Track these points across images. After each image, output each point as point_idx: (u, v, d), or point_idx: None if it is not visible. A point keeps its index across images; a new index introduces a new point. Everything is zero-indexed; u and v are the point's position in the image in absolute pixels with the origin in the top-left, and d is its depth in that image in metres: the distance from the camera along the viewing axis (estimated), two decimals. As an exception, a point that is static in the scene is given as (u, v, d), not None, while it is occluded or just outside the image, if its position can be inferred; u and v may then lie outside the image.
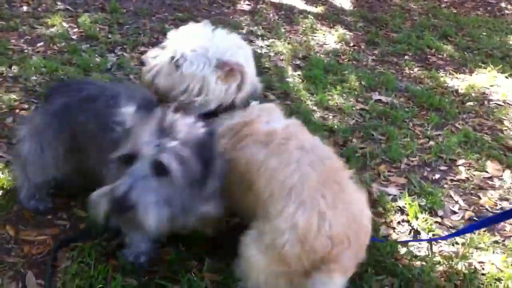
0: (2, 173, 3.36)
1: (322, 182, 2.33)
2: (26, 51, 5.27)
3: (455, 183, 3.99)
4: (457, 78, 5.99)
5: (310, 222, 2.21)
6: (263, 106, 2.81)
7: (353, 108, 4.94)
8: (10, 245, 2.89)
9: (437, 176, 4.04)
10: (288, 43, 6.41)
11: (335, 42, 6.69)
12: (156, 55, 2.79)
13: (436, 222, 3.46)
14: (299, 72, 5.66)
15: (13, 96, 4.39)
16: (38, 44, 5.44)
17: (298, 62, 5.98)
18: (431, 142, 4.51)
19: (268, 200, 2.33)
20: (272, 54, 6.13)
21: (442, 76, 5.98)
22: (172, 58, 2.68)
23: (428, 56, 6.61)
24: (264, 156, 2.45)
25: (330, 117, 4.77)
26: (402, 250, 3.13)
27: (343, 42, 6.71)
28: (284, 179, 2.34)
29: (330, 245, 2.20)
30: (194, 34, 2.74)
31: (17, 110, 4.21)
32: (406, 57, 6.50)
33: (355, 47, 6.66)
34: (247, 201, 2.51)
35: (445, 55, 6.68)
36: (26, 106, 4.29)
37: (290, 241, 2.21)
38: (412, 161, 4.18)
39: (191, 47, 2.65)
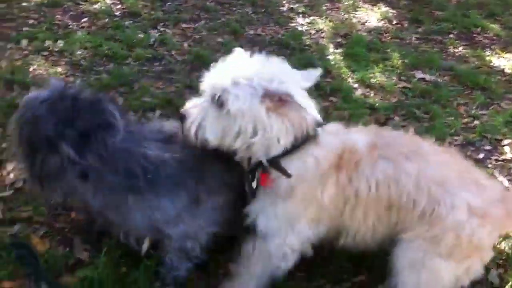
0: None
1: (458, 172, 2.47)
2: (71, 26, 5.36)
3: (499, 163, 3.92)
4: (503, 57, 5.84)
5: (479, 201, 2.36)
6: (332, 128, 2.53)
7: (396, 86, 4.88)
8: (58, 211, 2.98)
9: (481, 155, 3.97)
10: (330, 21, 6.35)
11: (377, 20, 6.59)
12: (195, 104, 2.40)
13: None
14: (340, 50, 5.60)
15: (59, 69, 4.50)
16: (83, 20, 5.52)
17: (339, 40, 5.93)
18: (476, 122, 4.43)
19: (427, 206, 2.36)
20: (313, 31, 6.09)
21: (488, 55, 5.83)
22: (213, 97, 2.28)
23: (474, 35, 6.44)
24: (394, 170, 2.39)
25: (372, 95, 4.72)
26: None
27: (385, 20, 6.60)
28: (428, 181, 2.37)
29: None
30: (233, 65, 2.35)
31: (63, 84, 4.30)
32: (450, 35, 6.36)
33: (398, 25, 6.55)
34: (384, 221, 2.47)
35: (491, 34, 6.50)
36: (71, 79, 4.39)
37: (475, 227, 2.32)
38: (456, 140, 4.12)
39: (233, 78, 2.25)
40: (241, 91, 2.22)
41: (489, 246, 2.48)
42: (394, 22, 6.62)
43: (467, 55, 5.82)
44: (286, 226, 2.42)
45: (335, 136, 2.45)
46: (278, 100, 2.23)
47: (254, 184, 2.39)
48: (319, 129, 2.38)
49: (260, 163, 2.35)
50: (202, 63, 4.65)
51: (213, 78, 2.33)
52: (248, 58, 2.38)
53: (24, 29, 5.15)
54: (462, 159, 2.64)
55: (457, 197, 2.36)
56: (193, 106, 2.38)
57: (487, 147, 4.10)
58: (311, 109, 2.28)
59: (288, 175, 2.32)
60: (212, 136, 2.31)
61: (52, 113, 2.16)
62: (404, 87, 4.90)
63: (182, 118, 2.39)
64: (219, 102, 2.25)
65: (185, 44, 5.35)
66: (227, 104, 2.22)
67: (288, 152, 2.32)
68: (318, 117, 2.32)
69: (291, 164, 2.34)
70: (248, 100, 2.21)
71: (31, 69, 4.47)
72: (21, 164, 2.37)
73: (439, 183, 2.37)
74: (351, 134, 2.52)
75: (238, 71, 2.27)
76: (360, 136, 2.48)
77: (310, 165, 2.35)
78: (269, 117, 2.24)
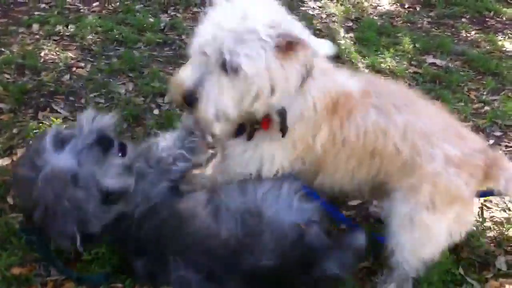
0: (60, 129, 3.48)
1: (443, 126, 2.56)
2: (82, 10, 5.37)
3: (510, 149, 3.90)
4: (516, 42, 5.79)
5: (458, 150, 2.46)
6: (324, 66, 2.45)
7: (406, 71, 4.85)
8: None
9: (491, 141, 3.95)
10: (341, 5, 6.29)
11: (389, 4, 6.52)
12: (197, 76, 2.15)
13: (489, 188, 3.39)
14: (351, 34, 5.57)
15: (70, 54, 4.52)
16: (94, 4, 5.53)
17: (350, 24, 5.89)
18: (486, 107, 4.40)
19: (411, 154, 2.44)
20: (324, 15, 6.05)
21: (500, 40, 5.76)
22: (223, 63, 2.09)
23: (486, 19, 6.36)
24: (384, 121, 2.44)
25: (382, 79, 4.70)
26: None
27: (397, 4, 6.53)
28: (414, 133, 2.45)
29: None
30: (227, 13, 2.14)
31: (74, 68, 4.34)
32: (463, 19, 6.28)
33: (410, 9, 6.48)
34: (364, 168, 2.54)
35: (504, 18, 6.41)
36: (82, 64, 4.41)
37: (451, 175, 2.42)
38: (466, 126, 4.07)
39: (236, 34, 2.06)
40: (252, 48, 2.05)
41: (469, 196, 2.54)
42: (406, 5, 6.55)
43: (479, 40, 5.76)
44: (262, 157, 2.48)
45: (329, 77, 2.42)
46: (287, 46, 2.11)
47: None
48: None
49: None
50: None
51: (210, 35, 2.11)
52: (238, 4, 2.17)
53: (36, 13, 5.18)
54: (444, 112, 2.75)
55: (437, 148, 2.45)
56: (197, 81, 2.14)
57: (498, 133, 4.08)
58: (316, 44, 2.18)
59: (285, 130, 2.34)
60: (231, 108, 2.17)
61: None
62: (415, 72, 4.87)
63: (191, 100, 2.15)
64: (232, 68, 2.07)
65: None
66: (241, 68, 2.06)
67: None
68: (322, 51, 2.24)
69: (292, 105, 2.33)
70: (262, 57, 2.07)
71: (42, 53, 4.50)
72: None
73: (423, 135, 2.45)
74: (344, 77, 2.50)
75: (237, 22, 2.08)
76: (354, 82, 2.48)
77: (309, 106, 2.35)
78: (284, 68, 2.14)
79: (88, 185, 2.30)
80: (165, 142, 2.67)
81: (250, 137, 2.42)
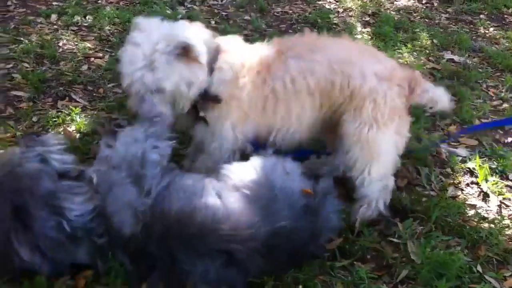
0: (79, 117, 3.50)
1: (358, 51, 2.93)
2: (100, 1, 5.41)
3: (528, 147, 3.87)
4: (535, 39, 5.73)
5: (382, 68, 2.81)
6: (226, 44, 2.83)
7: (424, 67, 4.82)
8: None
9: (509, 139, 3.91)
10: (358, -1, 6.28)
11: (407, -1, 6.50)
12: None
13: (507, 185, 3.37)
14: (368, 29, 5.55)
15: (88, 44, 4.54)
16: (111, -5, 5.55)
17: (367, 18, 5.87)
18: (505, 105, 4.36)
19: (344, 80, 2.75)
20: (340, 10, 6.04)
21: (519, 37, 5.73)
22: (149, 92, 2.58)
23: (505, 16, 6.32)
24: (305, 63, 2.75)
25: (400, 75, 4.67)
26: (471, 212, 3.09)
27: (415, -1, 6.52)
28: (338, 62, 2.75)
29: None
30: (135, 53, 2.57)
31: (92, 59, 4.36)
32: (481, 16, 6.24)
33: (428, 5, 6.45)
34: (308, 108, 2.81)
35: (523, 15, 6.38)
36: (100, 54, 4.43)
37: (386, 89, 2.76)
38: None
39: (147, 64, 2.53)
40: (162, 69, 2.51)
41: (403, 107, 2.85)
42: (424, 1, 6.52)
43: (497, 36, 5.72)
44: (215, 132, 2.81)
45: (239, 51, 2.80)
46: (184, 52, 2.53)
47: (202, 113, 2.76)
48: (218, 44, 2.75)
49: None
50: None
51: (129, 75, 2.56)
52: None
53: (54, 3, 5.22)
54: (355, 41, 3.10)
55: (364, 68, 2.75)
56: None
57: (516, 131, 4.05)
58: (200, 46, 2.58)
59: (218, 100, 2.72)
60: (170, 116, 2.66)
61: None
62: (433, 68, 4.84)
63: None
64: (157, 91, 2.58)
65: (212, 21, 5.35)
66: (163, 88, 2.56)
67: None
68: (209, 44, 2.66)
69: (214, 79, 2.70)
70: (173, 70, 2.54)
71: (60, 43, 4.53)
72: None
73: (348, 62, 2.75)
74: (255, 47, 2.89)
75: (143, 52, 2.52)
76: (265, 47, 2.84)
77: (226, 71, 2.71)
78: (190, 67, 2.57)
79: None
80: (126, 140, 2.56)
81: (205, 121, 2.78)
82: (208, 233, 2.31)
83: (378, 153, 2.81)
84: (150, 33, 2.57)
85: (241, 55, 2.76)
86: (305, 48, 2.80)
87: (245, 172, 2.53)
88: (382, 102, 2.73)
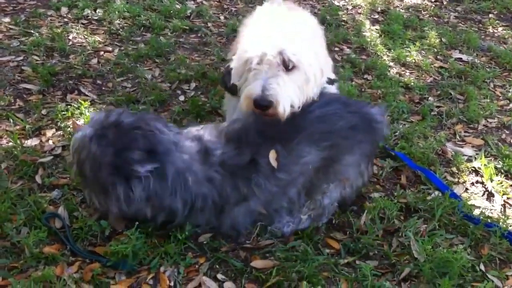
0: (88, 111, 3.53)
1: None
2: (110, -5, 5.42)
3: (534, 148, 3.87)
4: (544, 39, 5.72)
5: None
6: None
7: (432, 65, 4.83)
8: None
9: (515, 140, 3.94)
10: (367, -4, 6.28)
11: (416, -3, 6.50)
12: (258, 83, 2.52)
13: (512, 185, 3.39)
14: (377, 27, 5.56)
15: (98, 38, 4.57)
16: (121, -11, 5.57)
17: (376, 16, 5.87)
18: (512, 105, 4.38)
19: None
20: (349, 7, 6.04)
21: (528, 37, 5.72)
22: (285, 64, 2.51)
23: (515, 15, 6.32)
24: None
25: (407, 73, 4.69)
26: (475, 211, 3.10)
27: (424, -3, 6.51)
28: None
29: None
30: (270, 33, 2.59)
31: (101, 52, 4.39)
32: (490, 15, 6.24)
33: (437, 3, 6.44)
34: None
35: (532, 14, 6.36)
36: (109, 48, 4.46)
37: None
38: (490, 123, 4.07)
39: (289, 40, 2.53)
40: (302, 46, 2.51)
41: None
42: (433, -1, 6.52)
43: (506, 36, 5.71)
44: None
45: None
46: None
47: None
48: None
49: None
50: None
51: (265, 46, 2.47)
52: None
53: (64, -4, 5.24)
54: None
55: None
56: (263, 88, 2.46)
57: (523, 131, 4.05)
58: None
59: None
60: (297, 100, 2.56)
61: (105, 146, 2.37)
62: (441, 67, 4.85)
63: (262, 104, 2.48)
64: (293, 66, 2.48)
65: (222, 17, 5.38)
66: (301, 63, 2.49)
67: None
68: None
69: None
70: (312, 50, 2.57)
71: (70, 36, 4.56)
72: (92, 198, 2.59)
73: None
74: None
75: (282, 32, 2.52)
76: None
77: None
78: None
79: None
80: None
81: None
82: None
83: None
84: None
85: None
86: None
87: None
88: None
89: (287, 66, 2.48)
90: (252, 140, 2.55)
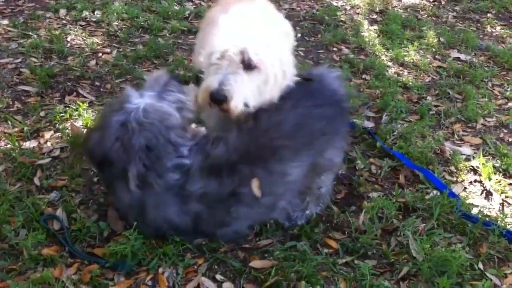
0: (87, 113, 3.54)
1: None
2: (108, -4, 5.43)
3: (533, 147, 3.88)
4: (542, 38, 5.72)
5: None
6: None
7: (430, 65, 4.83)
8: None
9: (514, 139, 3.94)
10: (366, -4, 6.29)
11: (414, -3, 6.50)
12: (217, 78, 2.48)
13: (510, 184, 3.38)
14: (375, 27, 5.56)
15: (96, 39, 4.58)
16: (119, -9, 5.58)
17: (374, 16, 5.88)
18: (510, 104, 4.37)
19: None
20: (348, 7, 6.04)
21: (526, 36, 5.72)
22: (246, 62, 2.47)
23: (512, 15, 6.32)
24: None
25: (405, 73, 4.69)
26: (474, 210, 3.10)
27: (422, -3, 6.51)
28: None
29: None
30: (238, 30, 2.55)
31: (100, 54, 4.40)
32: (489, 14, 6.23)
33: (435, 3, 6.44)
34: None
35: (530, 14, 6.37)
36: (108, 50, 4.47)
37: None
38: (489, 122, 4.07)
39: (255, 39, 2.50)
40: (266, 47, 2.47)
41: None
42: (431, -1, 6.52)
43: (504, 35, 5.71)
44: None
45: None
46: None
47: None
48: None
49: None
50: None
51: (229, 43, 2.45)
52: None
53: (63, -2, 5.25)
54: None
55: None
56: (221, 82, 2.44)
57: (521, 130, 4.06)
58: None
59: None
60: (253, 101, 2.52)
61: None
62: (439, 67, 4.85)
63: (217, 98, 2.46)
64: (254, 65, 2.44)
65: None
66: (262, 63, 2.45)
67: None
68: None
69: None
70: (277, 50, 2.54)
71: (69, 38, 4.58)
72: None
73: None
74: None
75: (250, 30, 2.51)
76: None
77: None
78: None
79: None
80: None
81: None
82: None
83: None
84: None
85: None
86: None
87: None
88: None
89: (248, 65, 2.45)
90: (233, 168, 2.50)
